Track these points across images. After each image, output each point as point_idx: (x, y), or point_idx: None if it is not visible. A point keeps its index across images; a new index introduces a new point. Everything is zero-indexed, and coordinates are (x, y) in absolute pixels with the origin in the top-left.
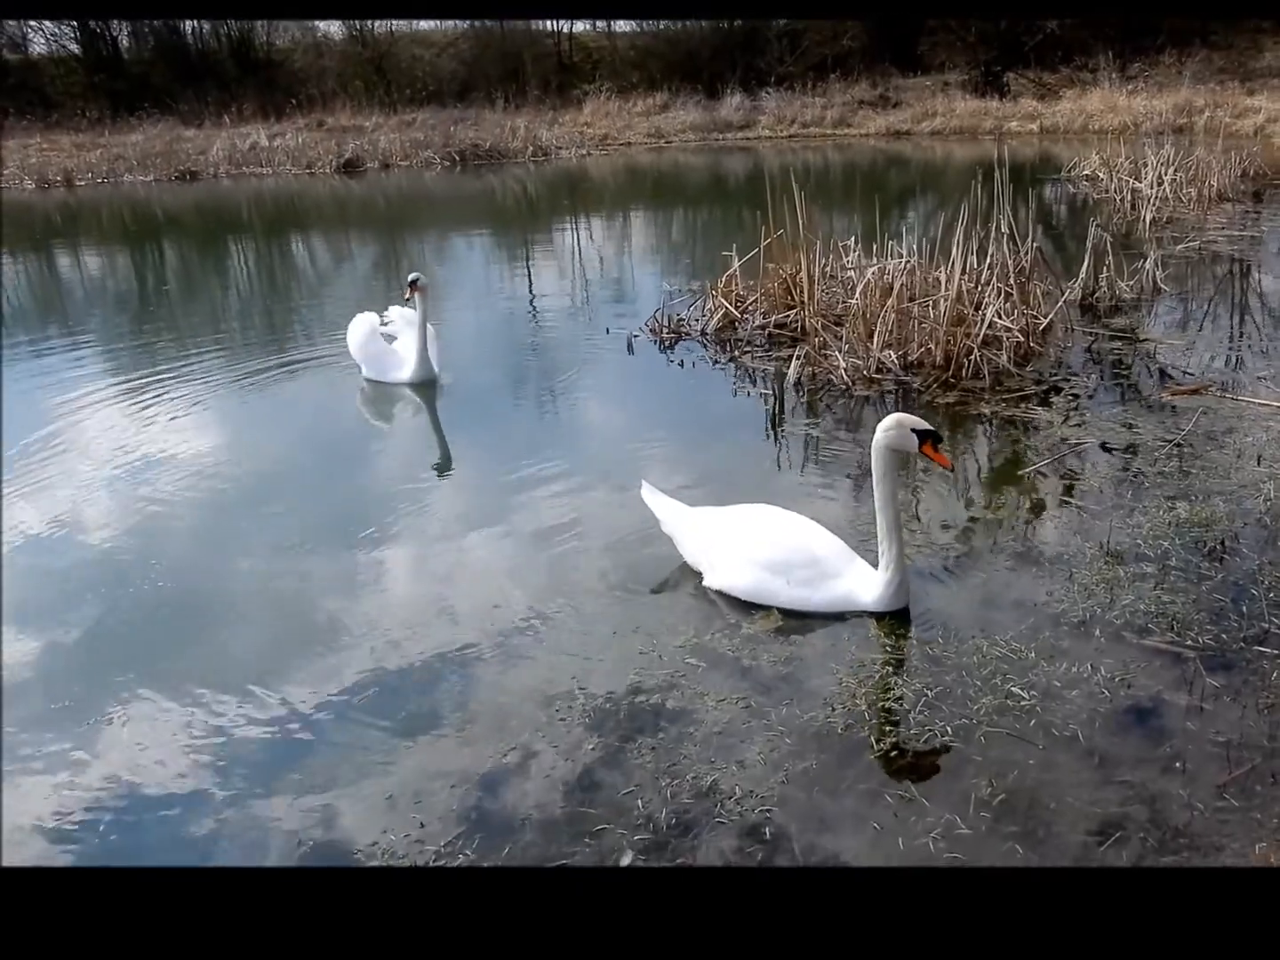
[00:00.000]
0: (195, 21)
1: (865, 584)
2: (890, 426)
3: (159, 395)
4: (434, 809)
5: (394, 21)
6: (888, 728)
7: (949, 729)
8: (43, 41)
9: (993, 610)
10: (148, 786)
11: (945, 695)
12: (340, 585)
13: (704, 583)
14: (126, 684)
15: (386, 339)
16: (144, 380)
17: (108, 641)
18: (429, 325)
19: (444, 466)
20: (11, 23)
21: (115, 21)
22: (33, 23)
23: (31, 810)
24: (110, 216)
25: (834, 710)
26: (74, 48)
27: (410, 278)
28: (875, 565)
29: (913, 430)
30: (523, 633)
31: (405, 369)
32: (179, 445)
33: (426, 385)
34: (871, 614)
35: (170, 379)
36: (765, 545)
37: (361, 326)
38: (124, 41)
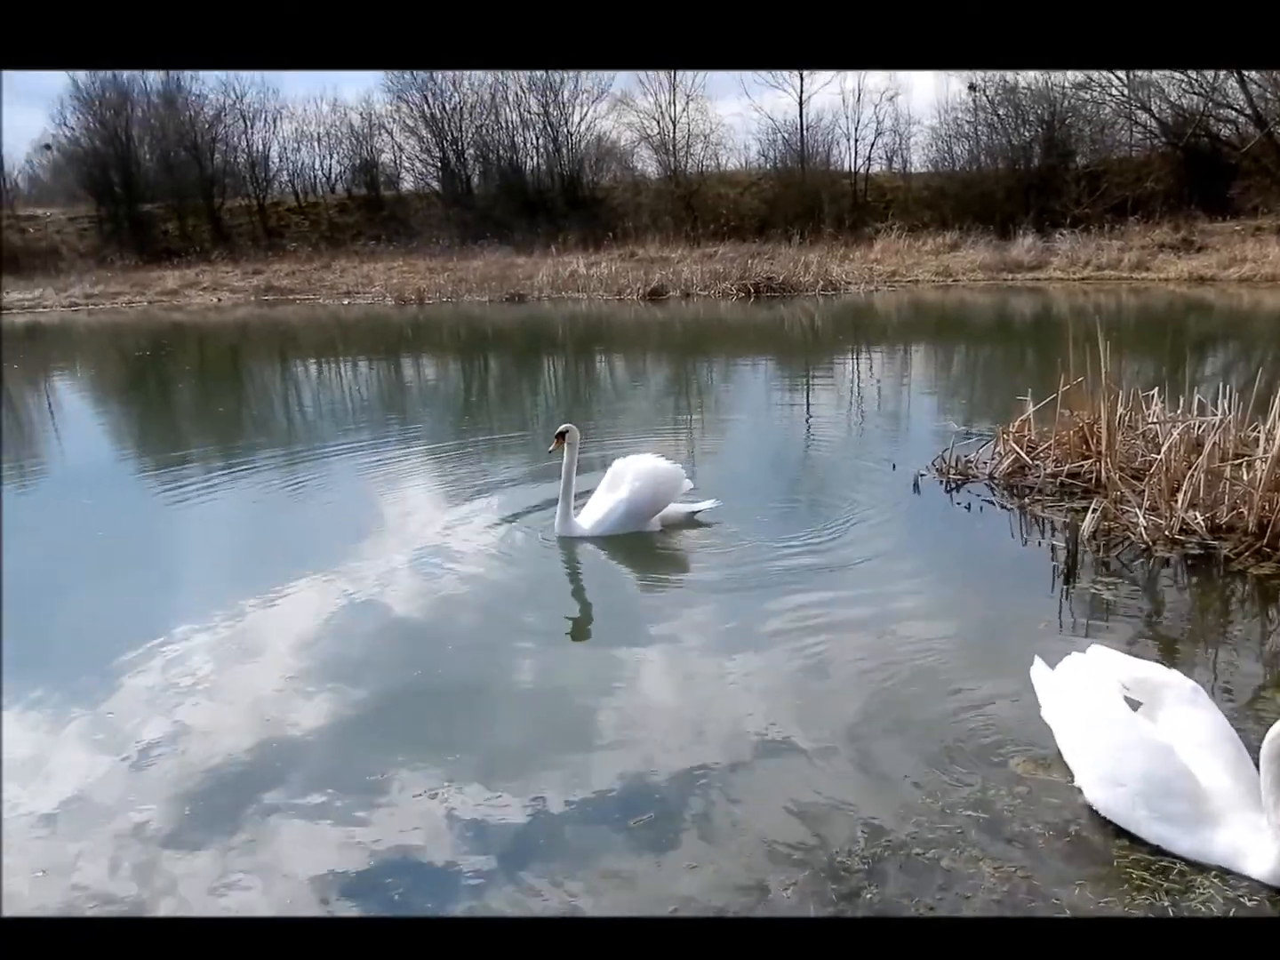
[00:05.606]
0: (534, 161)
1: (1253, 844)
2: None
3: (465, 487)
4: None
5: (705, 162)
6: None
7: None
8: (411, 180)
9: None
10: (394, 854)
11: None
12: (606, 687)
13: (1074, 782)
14: (390, 754)
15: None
16: (454, 472)
17: (382, 712)
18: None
19: (578, 630)
20: (388, 162)
21: (470, 161)
22: (405, 162)
23: (302, 863)
24: (449, 331)
25: (1125, 910)
26: (435, 185)
27: (559, 429)
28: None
29: None
30: (804, 764)
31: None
32: (469, 536)
33: (564, 542)
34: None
35: (475, 474)
36: (1134, 760)
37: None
38: (474, 179)
